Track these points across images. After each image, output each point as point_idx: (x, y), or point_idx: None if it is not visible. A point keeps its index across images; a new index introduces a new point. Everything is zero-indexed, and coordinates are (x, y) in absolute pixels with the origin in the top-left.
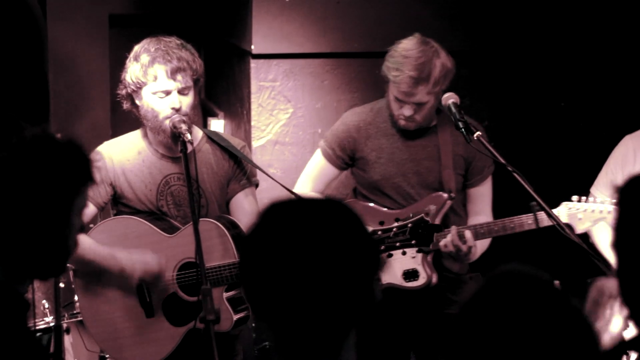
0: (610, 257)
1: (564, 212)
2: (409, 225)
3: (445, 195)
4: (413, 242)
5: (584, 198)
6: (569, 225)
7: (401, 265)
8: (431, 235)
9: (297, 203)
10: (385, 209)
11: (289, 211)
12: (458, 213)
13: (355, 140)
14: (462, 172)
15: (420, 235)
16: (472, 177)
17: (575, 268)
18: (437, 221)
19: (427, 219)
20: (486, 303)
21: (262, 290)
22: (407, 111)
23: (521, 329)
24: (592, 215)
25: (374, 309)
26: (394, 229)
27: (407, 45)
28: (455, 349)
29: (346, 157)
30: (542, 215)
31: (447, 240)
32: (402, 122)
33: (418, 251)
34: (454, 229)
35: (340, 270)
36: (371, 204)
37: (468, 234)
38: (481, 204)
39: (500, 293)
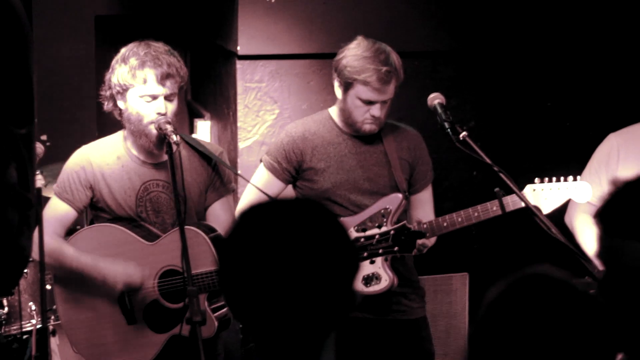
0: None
1: (529, 194)
2: (392, 232)
3: (401, 195)
4: (396, 248)
5: (546, 179)
6: (538, 209)
7: (360, 272)
8: (414, 241)
9: (273, 205)
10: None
11: (266, 213)
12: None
13: (301, 151)
14: (407, 177)
15: (403, 241)
16: (417, 182)
17: (563, 267)
18: (394, 221)
19: (410, 225)
20: (511, 304)
21: (241, 294)
22: (377, 111)
23: (542, 332)
24: (557, 194)
25: (353, 310)
26: (377, 236)
27: (361, 47)
28: (477, 345)
29: (292, 169)
30: (507, 199)
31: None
32: (367, 127)
33: (382, 254)
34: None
35: (318, 271)
36: None
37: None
38: (426, 208)
39: (525, 295)
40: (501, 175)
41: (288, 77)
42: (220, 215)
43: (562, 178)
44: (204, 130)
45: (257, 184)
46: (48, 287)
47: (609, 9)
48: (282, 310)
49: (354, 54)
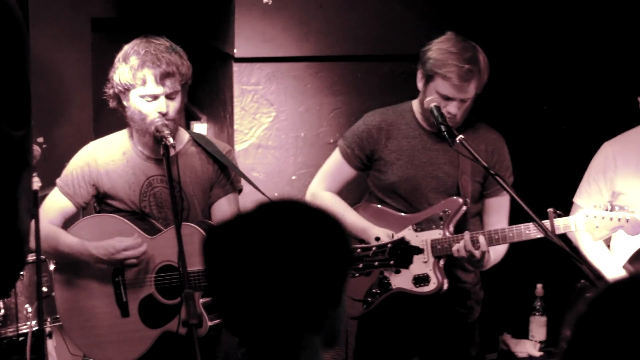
0: (593, 261)
1: (582, 220)
2: (389, 245)
3: (461, 200)
4: (391, 262)
5: (602, 206)
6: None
7: (412, 270)
8: (410, 256)
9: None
10: (398, 213)
11: (249, 220)
12: (472, 222)
13: (375, 141)
14: (480, 180)
15: (400, 256)
16: (491, 187)
17: (560, 271)
18: (451, 227)
19: (408, 240)
20: (609, 308)
21: (225, 300)
22: (454, 108)
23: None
24: (609, 224)
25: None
26: (373, 248)
27: (449, 42)
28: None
29: (364, 157)
30: (558, 221)
31: (459, 246)
32: None
33: (436, 257)
34: (467, 234)
35: (302, 272)
36: (384, 207)
37: (482, 239)
38: (498, 215)
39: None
40: (497, 178)
41: (285, 79)
42: (226, 211)
43: (617, 207)
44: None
45: (329, 167)
46: (44, 289)
47: (606, 11)
48: (264, 315)
49: (440, 47)
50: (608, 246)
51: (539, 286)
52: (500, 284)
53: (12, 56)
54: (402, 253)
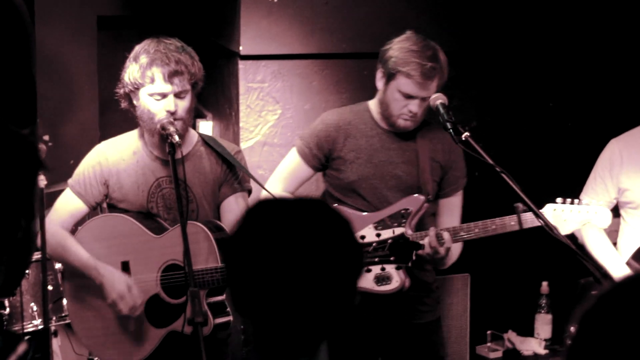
0: (599, 258)
1: (549, 213)
2: (389, 241)
3: (423, 197)
4: (392, 258)
5: (568, 200)
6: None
7: (373, 269)
8: (411, 252)
9: (283, 203)
10: (358, 212)
11: (274, 210)
12: (428, 221)
13: (334, 140)
14: (437, 179)
15: (400, 252)
16: (447, 187)
17: (565, 269)
18: (413, 223)
19: (408, 236)
20: (622, 302)
21: (245, 289)
22: (415, 107)
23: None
24: (577, 217)
25: (352, 312)
26: (374, 244)
27: (410, 41)
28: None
29: (322, 156)
30: (525, 216)
31: (424, 242)
32: (402, 122)
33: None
34: (432, 230)
35: (323, 270)
36: (342, 207)
37: (446, 235)
38: (452, 215)
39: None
40: (503, 175)
41: (290, 77)
42: (234, 209)
43: (584, 201)
44: (206, 131)
45: (286, 167)
46: (50, 287)
47: (610, 8)
48: (282, 307)
49: (401, 46)
50: (615, 243)
51: (545, 284)
52: (506, 281)
53: (17, 53)
54: (403, 249)
